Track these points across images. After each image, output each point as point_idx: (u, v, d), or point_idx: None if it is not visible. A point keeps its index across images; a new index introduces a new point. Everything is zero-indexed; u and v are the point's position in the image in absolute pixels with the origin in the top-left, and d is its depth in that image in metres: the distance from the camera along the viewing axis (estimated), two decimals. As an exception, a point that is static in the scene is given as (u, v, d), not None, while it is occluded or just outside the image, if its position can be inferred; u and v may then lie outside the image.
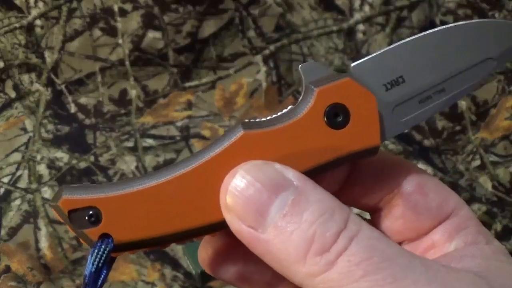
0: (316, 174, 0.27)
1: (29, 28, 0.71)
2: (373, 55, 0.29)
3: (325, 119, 0.27)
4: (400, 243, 0.30)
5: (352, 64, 0.28)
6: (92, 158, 0.68)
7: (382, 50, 0.29)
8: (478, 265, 0.27)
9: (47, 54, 0.72)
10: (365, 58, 0.29)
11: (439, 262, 0.26)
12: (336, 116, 0.27)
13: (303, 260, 0.24)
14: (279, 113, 0.28)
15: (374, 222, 0.31)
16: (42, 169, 0.66)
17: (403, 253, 0.25)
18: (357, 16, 0.72)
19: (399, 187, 0.29)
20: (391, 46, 0.29)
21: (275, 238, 0.24)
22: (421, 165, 0.68)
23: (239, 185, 0.25)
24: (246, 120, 0.27)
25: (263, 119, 0.28)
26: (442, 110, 0.28)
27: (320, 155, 0.27)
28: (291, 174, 0.26)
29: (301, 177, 0.26)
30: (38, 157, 0.67)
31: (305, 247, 0.24)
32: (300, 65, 0.28)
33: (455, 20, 0.71)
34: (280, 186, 0.25)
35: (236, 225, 0.25)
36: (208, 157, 0.26)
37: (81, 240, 0.27)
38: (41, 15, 0.71)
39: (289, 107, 0.29)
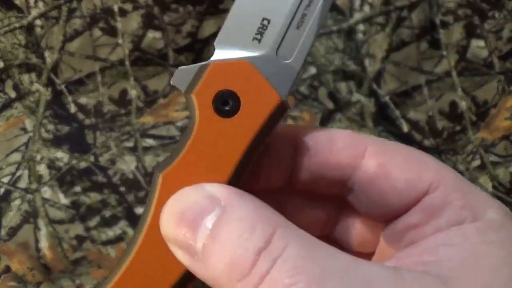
0: (245, 168, 0.25)
1: (29, 28, 0.71)
2: (226, 20, 0.27)
3: (218, 114, 0.26)
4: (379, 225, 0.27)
5: (215, 43, 0.28)
6: (92, 158, 0.68)
7: (230, 11, 0.27)
8: (451, 259, 0.23)
9: (47, 54, 0.72)
10: (222, 27, 0.27)
11: (398, 267, 0.23)
12: (226, 104, 0.26)
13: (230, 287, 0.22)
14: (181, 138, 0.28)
15: (345, 211, 0.28)
16: (42, 169, 0.66)
17: (337, 270, 0.21)
18: (357, 16, 0.72)
19: (357, 170, 0.26)
20: (235, 3, 0.27)
21: (202, 266, 0.23)
22: (421, 165, 0.68)
23: (164, 224, 0.24)
24: (158, 163, 0.27)
25: (171, 153, 0.26)
26: (324, 20, 0.25)
27: (235, 151, 0.25)
28: (219, 191, 0.24)
29: (227, 193, 0.24)
30: (38, 157, 0.67)
31: (227, 272, 0.22)
32: (171, 80, 0.28)
33: (455, 20, 0.71)
34: (203, 211, 0.23)
35: (179, 257, 0.24)
36: (148, 220, 0.25)
37: None
38: (41, 15, 0.71)
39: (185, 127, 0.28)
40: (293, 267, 0.21)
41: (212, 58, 0.27)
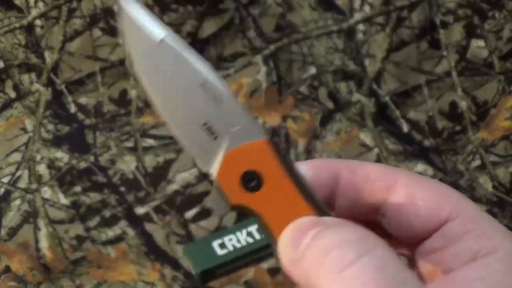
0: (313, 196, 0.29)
1: (29, 28, 0.71)
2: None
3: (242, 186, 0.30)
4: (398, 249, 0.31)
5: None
6: (92, 158, 0.68)
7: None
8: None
9: (47, 54, 0.72)
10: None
11: None
12: (251, 181, 0.30)
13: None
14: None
15: (378, 230, 0.32)
16: (42, 169, 0.66)
17: (411, 281, 0.25)
18: (357, 16, 0.72)
19: (388, 200, 0.30)
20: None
21: (300, 265, 0.27)
22: (421, 165, 0.68)
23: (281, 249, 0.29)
24: None
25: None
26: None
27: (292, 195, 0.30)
28: (318, 218, 0.28)
29: (324, 218, 0.28)
30: (38, 157, 0.67)
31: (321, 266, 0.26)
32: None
33: (455, 20, 0.71)
34: (306, 228, 0.28)
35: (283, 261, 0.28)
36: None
37: None
38: (41, 15, 0.71)
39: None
40: (377, 266, 0.25)
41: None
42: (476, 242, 0.29)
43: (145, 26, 0.30)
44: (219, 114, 0.30)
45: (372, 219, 0.32)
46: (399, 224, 0.30)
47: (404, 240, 0.31)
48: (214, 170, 0.30)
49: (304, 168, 0.31)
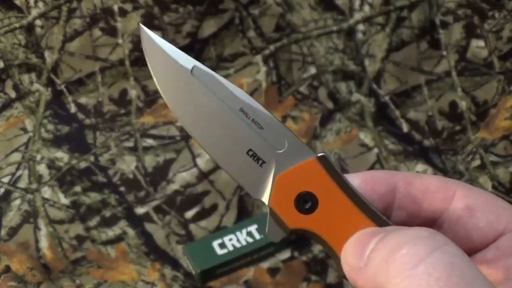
0: (369, 208, 0.29)
1: (29, 28, 0.71)
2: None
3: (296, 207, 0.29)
4: None
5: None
6: (92, 158, 0.68)
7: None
8: None
9: (47, 54, 0.72)
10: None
11: None
12: (305, 203, 0.29)
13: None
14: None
15: None
16: (42, 169, 0.66)
17: (482, 280, 0.25)
18: (357, 16, 0.72)
19: (447, 211, 0.30)
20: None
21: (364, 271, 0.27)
22: (421, 165, 0.68)
23: (345, 255, 0.29)
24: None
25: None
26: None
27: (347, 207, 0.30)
28: (383, 228, 0.28)
29: (386, 227, 0.28)
30: (38, 157, 0.67)
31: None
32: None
33: (455, 20, 0.71)
34: (370, 236, 0.27)
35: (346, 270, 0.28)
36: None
37: None
38: (41, 15, 0.71)
39: None
40: (449, 262, 0.25)
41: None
42: None
43: (175, 57, 0.30)
44: (262, 138, 0.29)
45: None
46: (456, 236, 0.30)
47: None
48: (265, 197, 0.29)
49: (359, 181, 0.30)
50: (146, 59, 0.30)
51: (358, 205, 0.28)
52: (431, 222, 0.31)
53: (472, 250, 0.30)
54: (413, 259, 0.24)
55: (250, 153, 0.29)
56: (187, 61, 0.30)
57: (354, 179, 0.30)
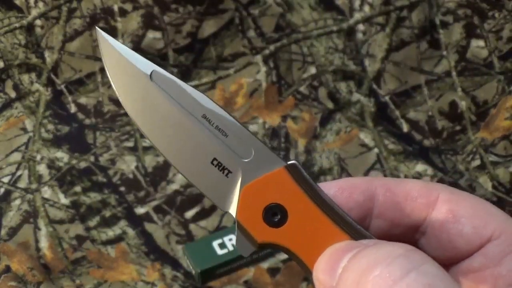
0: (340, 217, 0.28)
1: (29, 28, 0.71)
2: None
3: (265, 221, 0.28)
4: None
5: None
6: (92, 158, 0.68)
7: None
8: None
9: (47, 54, 0.72)
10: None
11: None
12: (274, 215, 0.27)
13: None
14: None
15: None
16: (42, 169, 0.66)
17: None
18: (357, 16, 0.72)
19: (429, 216, 0.29)
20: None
21: None
22: (421, 165, 0.68)
23: (317, 272, 0.27)
24: None
25: None
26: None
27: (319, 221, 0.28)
28: (353, 242, 0.27)
29: (358, 242, 0.27)
30: (38, 157, 0.67)
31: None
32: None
33: (455, 20, 0.71)
34: (342, 252, 0.26)
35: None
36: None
37: None
38: (41, 15, 0.71)
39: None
40: (427, 283, 0.24)
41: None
42: None
43: (133, 62, 0.28)
44: (227, 146, 0.28)
45: (409, 239, 0.30)
46: (439, 243, 0.29)
47: (443, 260, 0.29)
48: (233, 210, 0.27)
49: (335, 189, 0.29)
50: (104, 63, 0.29)
51: (331, 216, 0.27)
52: (414, 229, 0.29)
53: (457, 258, 0.29)
54: (387, 281, 0.23)
55: (215, 162, 0.28)
56: (146, 65, 0.28)
57: (330, 188, 0.28)
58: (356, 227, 0.27)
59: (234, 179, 0.27)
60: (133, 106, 0.28)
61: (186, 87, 0.28)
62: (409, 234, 0.30)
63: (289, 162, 0.28)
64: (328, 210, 0.27)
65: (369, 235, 0.27)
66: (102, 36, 0.29)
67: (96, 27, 0.29)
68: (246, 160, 0.28)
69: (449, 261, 0.29)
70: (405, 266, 0.23)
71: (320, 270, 0.26)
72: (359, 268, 0.24)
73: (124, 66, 0.28)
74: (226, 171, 0.27)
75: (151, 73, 0.28)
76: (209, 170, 0.28)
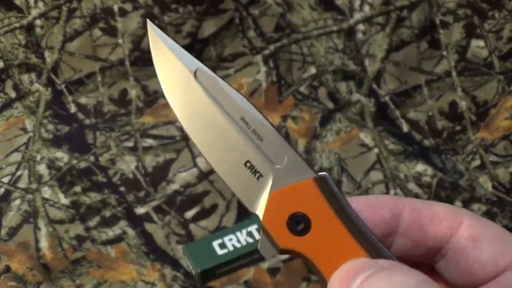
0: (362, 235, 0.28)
1: (29, 28, 0.71)
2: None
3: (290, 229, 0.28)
4: None
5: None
6: (92, 158, 0.68)
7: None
8: None
9: (47, 54, 0.72)
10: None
11: None
12: (298, 224, 0.28)
13: None
14: None
15: (432, 275, 0.31)
16: (42, 169, 0.66)
17: None
18: (357, 16, 0.72)
19: (451, 239, 0.29)
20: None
21: None
22: (421, 165, 0.68)
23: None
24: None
25: None
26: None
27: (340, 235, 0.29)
28: (368, 261, 0.27)
29: (374, 261, 0.27)
30: (38, 157, 0.67)
31: None
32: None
33: (455, 20, 0.71)
34: (357, 272, 0.26)
35: None
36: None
37: None
38: (41, 15, 0.71)
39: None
40: None
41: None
42: None
43: (179, 57, 0.29)
44: (261, 151, 0.28)
45: (429, 261, 0.30)
46: (457, 267, 0.29)
47: (458, 285, 0.30)
48: (260, 212, 0.28)
49: (362, 204, 0.29)
50: (152, 56, 0.29)
51: (352, 232, 0.27)
52: (435, 251, 0.30)
53: (472, 284, 0.29)
54: None
55: (248, 164, 0.28)
56: (192, 63, 0.29)
57: (358, 203, 0.29)
58: (377, 245, 0.27)
59: (265, 183, 0.28)
60: (175, 100, 0.29)
61: (228, 88, 0.29)
62: (430, 255, 0.30)
63: (319, 174, 0.28)
64: (350, 225, 0.27)
65: (389, 255, 0.27)
66: (152, 30, 0.29)
67: (148, 20, 0.30)
68: (278, 167, 0.28)
69: (464, 287, 0.30)
70: None
71: (334, 285, 0.26)
72: None
73: (170, 61, 0.29)
74: (257, 174, 0.28)
75: (196, 70, 0.29)
76: (242, 171, 0.28)
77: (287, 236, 0.28)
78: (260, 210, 0.28)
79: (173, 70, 0.29)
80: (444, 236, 0.29)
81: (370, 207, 0.29)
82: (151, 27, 0.29)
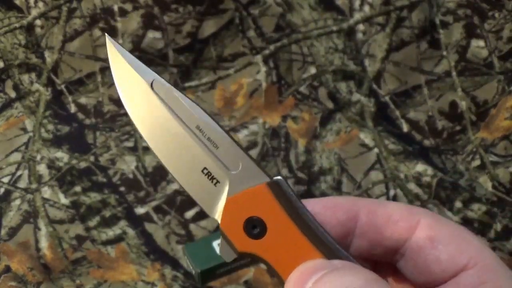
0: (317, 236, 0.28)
1: (29, 28, 0.71)
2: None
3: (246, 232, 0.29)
4: None
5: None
6: (92, 158, 0.68)
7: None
8: None
9: (47, 54, 0.72)
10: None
11: None
12: (254, 228, 0.29)
13: None
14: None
15: (395, 274, 0.31)
16: (42, 169, 0.66)
17: None
18: (357, 16, 0.72)
19: (409, 239, 0.30)
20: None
21: None
22: (421, 165, 0.68)
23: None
24: None
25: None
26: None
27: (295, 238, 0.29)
28: (319, 262, 0.28)
29: (326, 262, 0.27)
30: (38, 157, 0.67)
31: None
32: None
33: (455, 20, 0.71)
34: (309, 273, 0.27)
35: None
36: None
37: None
38: (41, 15, 0.71)
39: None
40: None
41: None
42: None
43: (137, 70, 0.30)
44: (216, 158, 0.29)
45: (389, 260, 0.31)
46: (416, 267, 0.29)
47: (418, 284, 0.30)
48: (218, 217, 0.29)
49: (319, 206, 0.30)
50: (111, 69, 0.30)
51: (307, 234, 0.28)
52: (394, 250, 0.30)
53: (431, 283, 0.29)
54: None
55: (205, 171, 0.29)
56: (148, 74, 0.30)
57: (314, 205, 0.30)
58: (332, 245, 0.28)
59: (221, 189, 0.29)
60: (134, 111, 0.30)
61: (183, 98, 0.30)
62: (389, 255, 0.31)
63: (274, 178, 0.29)
64: (305, 228, 0.28)
65: (345, 255, 0.28)
66: (111, 44, 0.31)
67: (107, 34, 0.32)
68: (233, 172, 0.29)
69: (424, 286, 0.30)
70: None
71: (289, 287, 0.27)
72: None
73: (128, 73, 0.30)
74: (214, 181, 0.29)
75: (152, 82, 0.30)
76: (200, 178, 0.29)
77: (244, 240, 0.28)
78: (218, 215, 0.29)
79: (131, 82, 0.30)
80: (401, 236, 0.30)
81: (327, 209, 0.30)
82: (109, 41, 0.31)
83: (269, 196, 0.28)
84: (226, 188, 0.29)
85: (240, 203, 0.29)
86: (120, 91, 0.30)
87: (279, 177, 0.29)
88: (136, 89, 0.30)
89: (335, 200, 0.31)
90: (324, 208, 0.30)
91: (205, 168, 0.29)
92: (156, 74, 0.30)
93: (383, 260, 0.31)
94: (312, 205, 0.29)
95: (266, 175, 0.29)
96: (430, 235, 0.29)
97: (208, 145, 0.29)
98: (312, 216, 0.29)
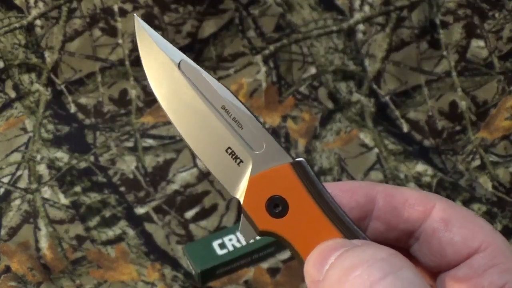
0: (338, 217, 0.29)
1: (29, 28, 0.71)
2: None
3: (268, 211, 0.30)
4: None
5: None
6: (92, 158, 0.68)
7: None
8: None
9: (47, 54, 0.72)
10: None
11: None
12: (276, 206, 0.29)
13: None
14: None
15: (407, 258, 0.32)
16: (42, 169, 0.66)
17: None
18: (357, 16, 0.72)
19: (424, 223, 0.30)
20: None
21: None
22: (421, 165, 0.68)
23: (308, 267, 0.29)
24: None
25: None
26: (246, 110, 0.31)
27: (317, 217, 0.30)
28: (342, 241, 0.28)
29: (348, 241, 0.28)
30: (38, 157, 0.67)
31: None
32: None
33: (455, 20, 0.71)
34: (330, 250, 0.28)
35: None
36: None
37: None
38: (41, 15, 0.71)
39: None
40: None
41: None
42: (501, 277, 0.29)
43: (164, 49, 0.30)
44: (241, 138, 0.30)
45: (403, 245, 0.32)
46: (430, 250, 0.30)
47: (432, 267, 0.31)
48: (240, 196, 0.29)
49: (338, 189, 0.30)
50: (139, 49, 0.31)
51: (328, 214, 0.28)
52: (409, 234, 0.31)
53: (445, 266, 0.30)
54: (365, 282, 0.24)
55: (229, 151, 0.30)
56: (175, 54, 0.30)
57: (334, 188, 0.30)
58: (351, 226, 0.28)
59: (245, 169, 0.29)
60: (161, 91, 0.30)
61: (210, 78, 0.30)
62: (404, 238, 0.31)
63: (296, 159, 0.29)
64: (326, 208, 0.29)
65: (363, 235, 0.28)
66: (139, 23, 0.31)
67: (135, 14, 0.32)
68: (257, 152, 0.30)
69: (437, 269, 0.31)
70: (384, 269, 0.25)
71: (310, 264, 0.27)
72: (343, 266, 0.26)
73: (156, 53, 0.30)
74: (238, 160, 0.30)
75: (180, 62, 0.30)
76: (223, 157, 0.30)
77: (266, 219, 0.29)
78: (240, 194, 0.29)
79: (158, 61, 0.30)
80: (417, 219, 0.30)
81: (346, 192, 0.31)
82: (137, 20, 0.31)
83: (292, 175, 0.29)
84: (250, 168, 0.29)
85: (263, 182, 0.29)
86: (146, 70, 0.31)
87: (301, 158, 0.30)
88: (163, 69, 0.30)
89: (354, 184, 0.32)
90: (342, 191, 0.30)
91: (229, 147, 0.30)
92: (183, 55, 0.30)
93: (397, 244, 0.32)
94: (332, 188, 0.30)
95: (289, 155, 0.29)
96: (445, 218, 0.30)
97: (233, 125, 0.30)
98: (332, 198, 0.29)
